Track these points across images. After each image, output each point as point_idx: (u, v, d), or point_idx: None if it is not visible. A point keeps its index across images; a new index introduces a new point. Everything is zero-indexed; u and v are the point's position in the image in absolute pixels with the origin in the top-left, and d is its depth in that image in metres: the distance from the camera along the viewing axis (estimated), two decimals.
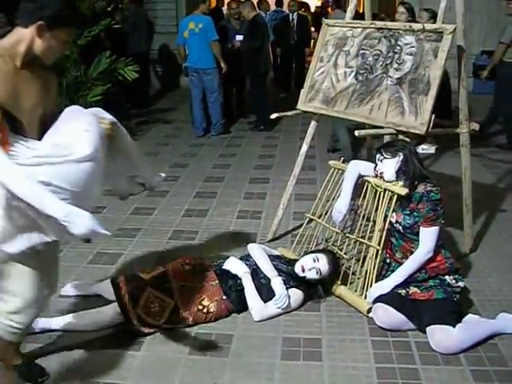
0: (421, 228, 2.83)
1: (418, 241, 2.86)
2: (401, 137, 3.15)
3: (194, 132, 7.27)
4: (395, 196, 2.91)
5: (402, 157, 2.87)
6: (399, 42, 3.27)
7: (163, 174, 2.85)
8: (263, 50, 7.36)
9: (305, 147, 3.83)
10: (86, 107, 5.79)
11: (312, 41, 10.89)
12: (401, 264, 2.93)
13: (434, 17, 5.55)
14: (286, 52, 10.17)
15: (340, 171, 3.43)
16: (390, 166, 2.90)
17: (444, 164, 5.62)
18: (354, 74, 3.48)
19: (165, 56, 10.44)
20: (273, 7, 11.56)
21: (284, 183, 4.06)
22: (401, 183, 2.88)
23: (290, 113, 3.83)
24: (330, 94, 3.58)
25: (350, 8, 3.73)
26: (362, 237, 3.20)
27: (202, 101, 7.19)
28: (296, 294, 3.07)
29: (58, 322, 2.90)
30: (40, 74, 2.11)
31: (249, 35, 7.16)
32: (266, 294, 3.02)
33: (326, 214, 3.55)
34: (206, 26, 6.84)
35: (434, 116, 3.05)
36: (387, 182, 2.94)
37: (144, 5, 9.93)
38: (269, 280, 3.05)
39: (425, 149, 6.05)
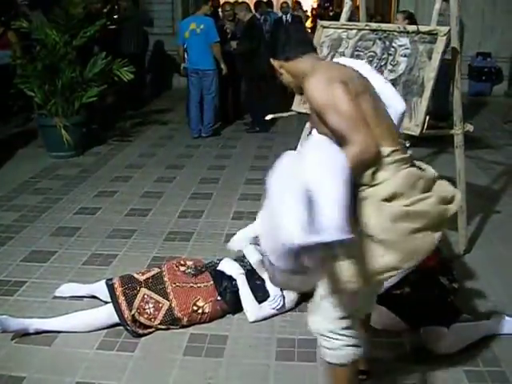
0: None
1: None
2: None
3: (189, 133, 7.27)
4: None
5: None
6: (393, 44, 3.28)
7: None
8: (259, 52, 7.38)
9: (300, 148, 3.83)
10: (81, 108, 5.63)
11: None
12: None
13: (408, 17, 5.83)
14: None
15: None
16: None
17: (438, 165, 5.62)
18: None
19: (159, 57, 10.43)
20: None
21: None
22: None
23: (285, 114, 3.84)
24: None
25: (345, 10, 3.74)
26: None
27: (200, 102, 7.19)
28: (290, 295, 3.07)
29: (53, 323, 2.90)
30: None
31: (245, 37, 7.18)
32: (261, 294, 3.03)
33: None
34: (207, 27, 6.85)
35: (428, 117, 3.07)
36: None
37: (140, 6, 9.94)
38: (263, 281, 3.05)
39: None
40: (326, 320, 2.05)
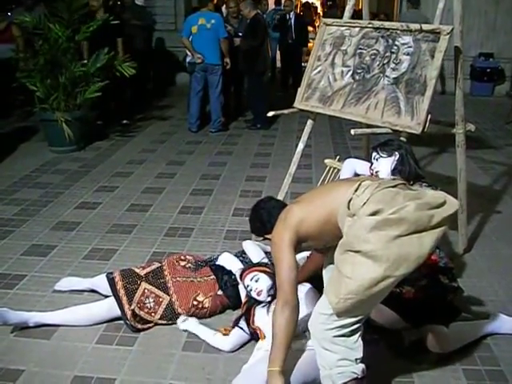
0: None
1: None
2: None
3: (188, 127, 7.29)
4: None
5: (397, 156, 2.88)
6: (396, 42, 3.27)
7: None
8: (262, 49, 7.38)
9: (301, 146, 3.83)
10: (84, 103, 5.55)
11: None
12: None
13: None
14: (284, 51, 10.20)
15: (336, 170, 3.44)
16: (385, 164, 2.90)
17: (439, 164, 5.64)
18: (350, 73, 3.49)
19: (161, 53, 10.41)
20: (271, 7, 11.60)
21: (280, 181, 4.07)
22: None
23: (286, 111, 3.83)
24: (326, 93, 3.59)
25: (348, 7, 3.74)
26: None
27: (201, 98, 7.20)
28: None
29: (53, 317, 2.91)
30: None
31: (249, 34, 7.17)
32: None
33: None
34: (217, 23, 6.89)
35: (430, 116, 3.06)
36: None
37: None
38: None
39: None
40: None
